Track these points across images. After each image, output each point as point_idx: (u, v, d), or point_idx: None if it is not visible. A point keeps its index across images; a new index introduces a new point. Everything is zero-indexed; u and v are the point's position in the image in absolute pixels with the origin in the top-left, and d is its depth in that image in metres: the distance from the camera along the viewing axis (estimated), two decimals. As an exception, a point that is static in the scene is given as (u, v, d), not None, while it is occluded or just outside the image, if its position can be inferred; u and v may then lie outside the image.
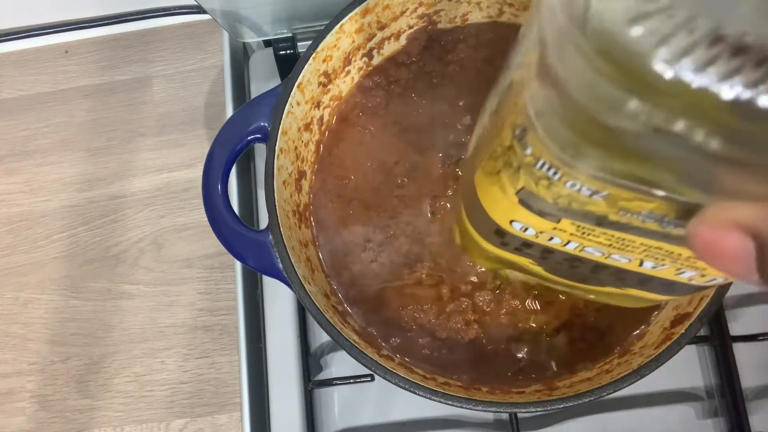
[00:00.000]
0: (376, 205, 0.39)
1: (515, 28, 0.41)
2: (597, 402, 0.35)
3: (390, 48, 0.41)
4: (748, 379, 0.40)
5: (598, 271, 0.24)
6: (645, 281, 0.23)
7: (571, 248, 0.22)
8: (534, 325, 0.36)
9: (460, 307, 0.37)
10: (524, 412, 0.38)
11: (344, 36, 0.38)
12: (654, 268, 0.21)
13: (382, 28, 0.39)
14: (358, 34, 0.39)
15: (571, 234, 0.21)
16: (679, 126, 0.14)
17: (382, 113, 0.41)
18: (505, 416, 0.40)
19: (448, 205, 0.38)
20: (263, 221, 0.46)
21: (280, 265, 0.34)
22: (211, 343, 0.49)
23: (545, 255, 0.23)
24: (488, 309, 0.37)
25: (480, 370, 0.36)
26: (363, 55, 0.40)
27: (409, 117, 0.41)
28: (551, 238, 0.21)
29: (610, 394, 0.31)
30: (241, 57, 0.51)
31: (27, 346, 0.51)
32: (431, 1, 0.39)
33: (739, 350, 0.40)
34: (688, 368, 0.41)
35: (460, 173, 0.38)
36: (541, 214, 0.20)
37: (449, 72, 0.41)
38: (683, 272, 0.21)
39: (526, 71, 0.18)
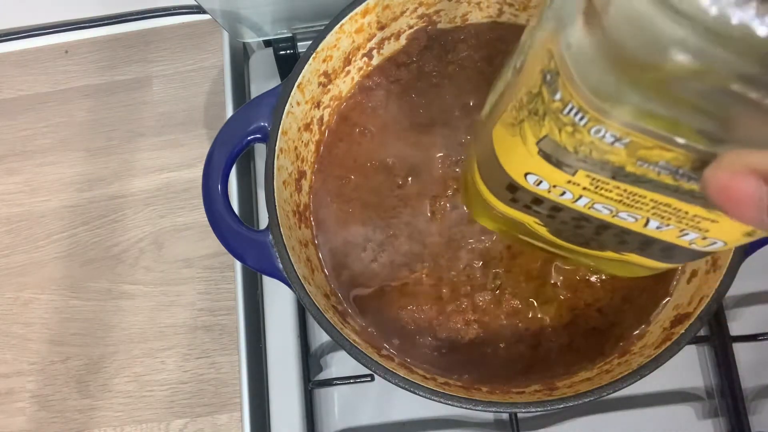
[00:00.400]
0: (376, 205, 0.39)
1: (515, 28, 0.41)
2: (597, 402, 0.35)
3: (390, 48, 0.41)
4: (748, 379, 0.40)
5: (601, 233, 0.24)
6: (646, 245, 0.24)
7: (580, 205, 0.22)
8: (534, 325, 0.36)
9: (460, 307, 0.37)
10: (524, 412, 0.38)
11: (344, 36, 0.38)
12: (658, 228, 0.22)
13: (382, 28, 0.39)
14: (358, 34, 0.39)
15: (584, 188, 0.21)
16: (716, 67, 0.15)
17: (382, 113, 0.41)
18: (505, 416, 0.40)
19: (448, 206, 0.38)
20: (263, 221, 0.46)
21: (280, 265, 0.34)
22: (211, 343, 0.49)
23: (553, 213, 0.24)
24: (488, 309, 0.37)
25: (480, 370, 0.36)
26: (363, 55, 0.40)
27: (409, 117, 0.41)
28: (563, 193, 0.22)
29: (610, 394, 0.31)
30: (241, 57, 0.51)
31: (27, 346, 0.51)
32: (431, 1, 0.39)
33: (739, 350, 0.40)
34: (688, 368, 0.41)
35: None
36: (558, 165, 0.21)
37: (449, 72, 0.41)
38: (686, 234, 0.22)
39: (562, 16, 0.18)
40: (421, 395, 0.31)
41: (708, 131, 0.17)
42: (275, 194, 0.34)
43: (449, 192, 0.39)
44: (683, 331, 0.32)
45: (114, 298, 0.51)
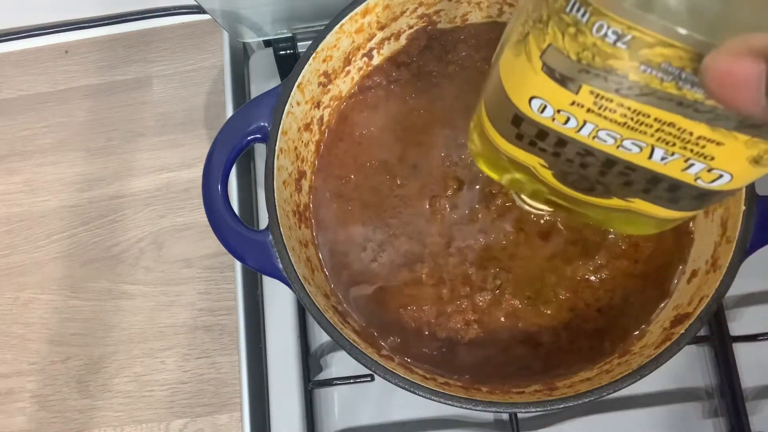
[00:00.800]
0: (376, 205, 0.39)
1: (515, 28, 0.41)
2: (597, 402, 0.35)
3: (390, 48, 0.41)
4: (748, 379, 0.40)
5: (606, 173, 0.24)
6: (651, 185, 0.24)
7: (584, 134, 0.23)
8: (534, 325, 0.36)
9: (460, 307, 0.37)
10: (524, 412, 0.38)
11: (344, 36, 0.38)
12: (663, 160, 0.22)
13: (382, 28, 0.39)
14: (358, 34, 0.39)
15: (588, 110, 0.21)
16: None
17: (382, 113, 0.41)
18: (505, 416, 0.40)
19: (448, 205, 0.38)
20: (263, 221, 0.46)
21: (280, 265, 0.34)
22: (211, 343, 0.49)
23: (557, 150, 0.24)
24: (488, 309, 0.37)
25: (480, 370, 0.36)
26: (363, 55, 0.40)
27: (409, 117, 0.41)
28: (567, 120, 0.22)
29: (610, 394, 0.31)
30: (241, 57, 0.51)
31: (27, 346, 0.51)
32: (431, 1, 0.39)
33: (739, 350, 0.40)
34: (688, 368, 0.41)
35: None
36: (562, 81, 0.21)
37: (449, 72, 0.41)
38: (691, 165, 0.22)
39: None
40: (421, 395, 0.31)
41: (715, 15, 0.17)
42: (275, 194, 0.34)
43: (449, 192, 0.39)
44: (683, 331, 0.32)
45: (114, 298, 0.51)
